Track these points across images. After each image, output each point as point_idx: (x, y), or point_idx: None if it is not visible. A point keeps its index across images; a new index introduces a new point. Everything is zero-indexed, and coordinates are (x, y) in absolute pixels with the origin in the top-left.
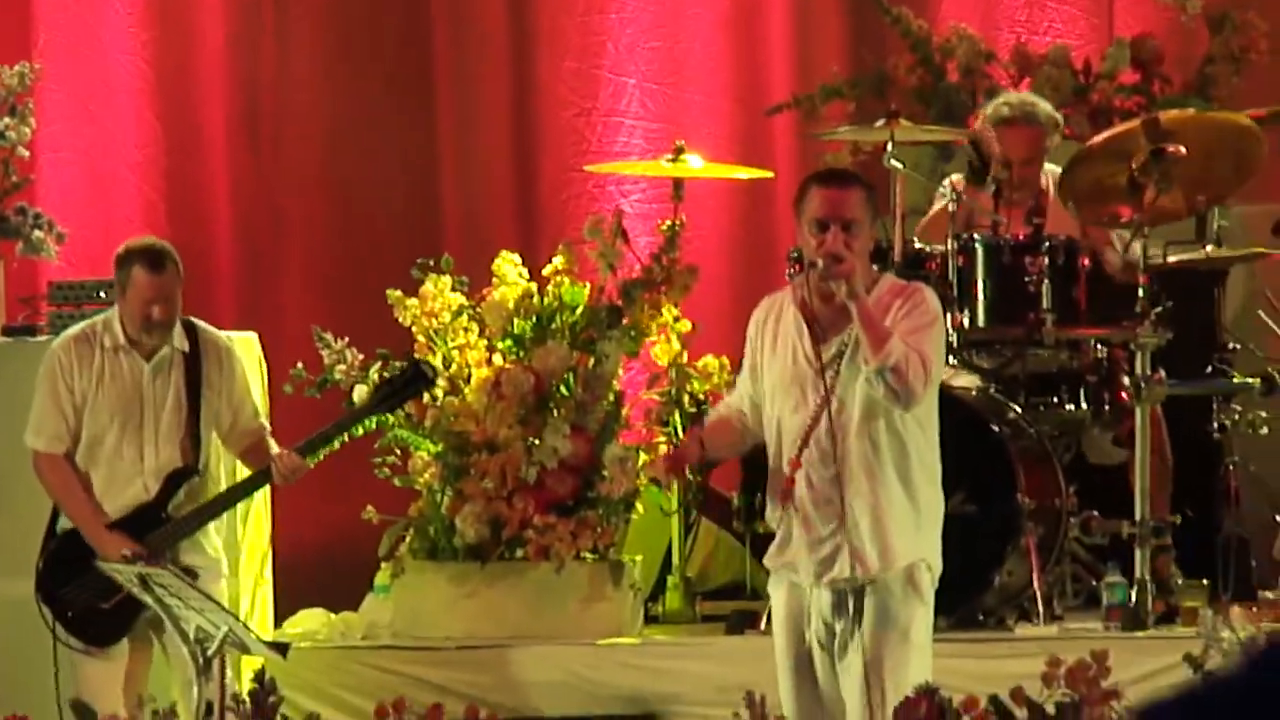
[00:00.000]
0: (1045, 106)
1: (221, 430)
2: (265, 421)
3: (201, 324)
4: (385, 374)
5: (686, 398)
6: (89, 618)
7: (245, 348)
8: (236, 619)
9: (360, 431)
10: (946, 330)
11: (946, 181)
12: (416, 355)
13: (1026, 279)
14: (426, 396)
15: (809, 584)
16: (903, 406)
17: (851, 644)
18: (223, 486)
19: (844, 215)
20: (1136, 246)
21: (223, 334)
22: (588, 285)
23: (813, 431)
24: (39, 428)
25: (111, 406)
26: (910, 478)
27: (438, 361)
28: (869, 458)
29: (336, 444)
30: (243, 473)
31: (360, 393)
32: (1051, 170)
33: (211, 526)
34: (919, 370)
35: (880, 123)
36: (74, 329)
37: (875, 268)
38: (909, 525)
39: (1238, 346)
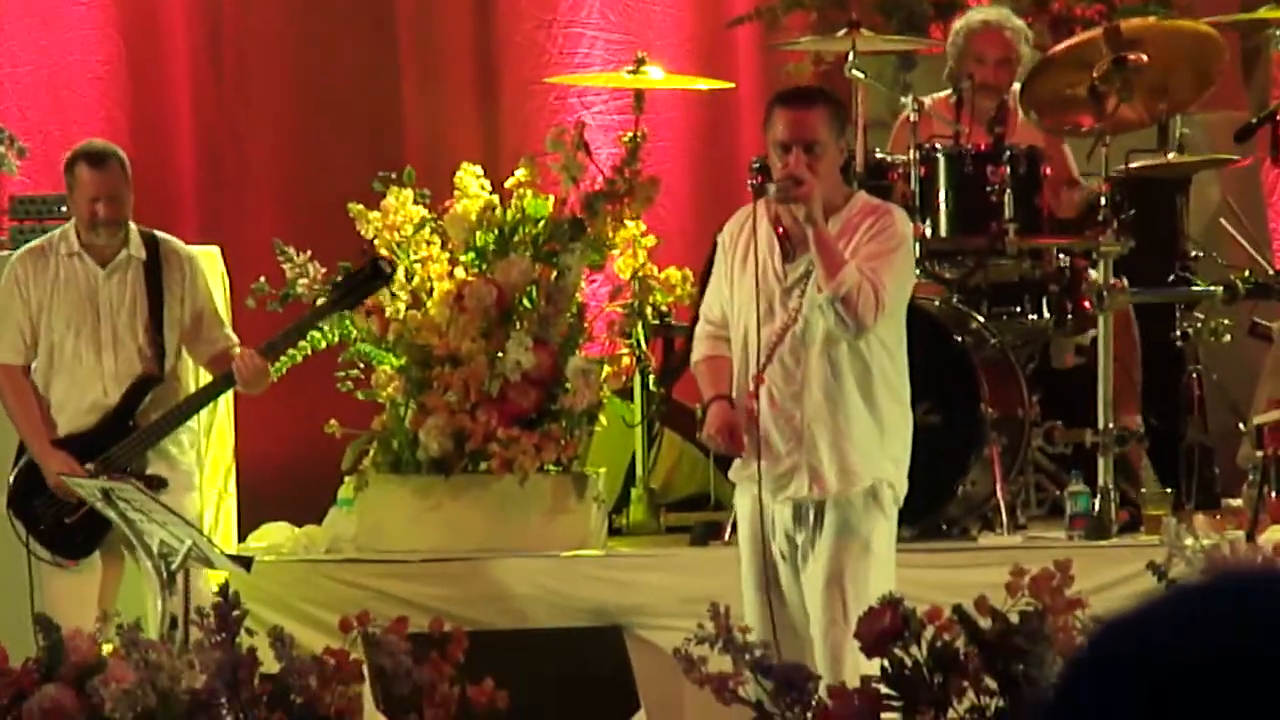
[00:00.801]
0: (1020, 22)
1: (186, 339)
2: (231, 333)
3: (162, 234)
4: (343, 272)
5: (649, 309)
6: (59, 531)
7: (208, 261)
8: (200, 533)
9: (323, 345)
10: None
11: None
12: (373, 253)
13: (988, 188)
14: (389, 310)
15: (769, 500)
16: (852, 335)
17: (813, 555)
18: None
19: (806, 136)
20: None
21: (184, 245)
22: (550, 198)
23: (777, 348)
24: None
25: (67, 312)
26: (874, 398)
27: (400, 275)
28: (829, 378)
29: (299, 354)
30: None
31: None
32: (1014, 88)
33: (184, 438)
34: (870, 299)
35: (842, 33)
36: (32, 243)
37: (854, 185)
38: (871, 445)
39: (1200, 254)
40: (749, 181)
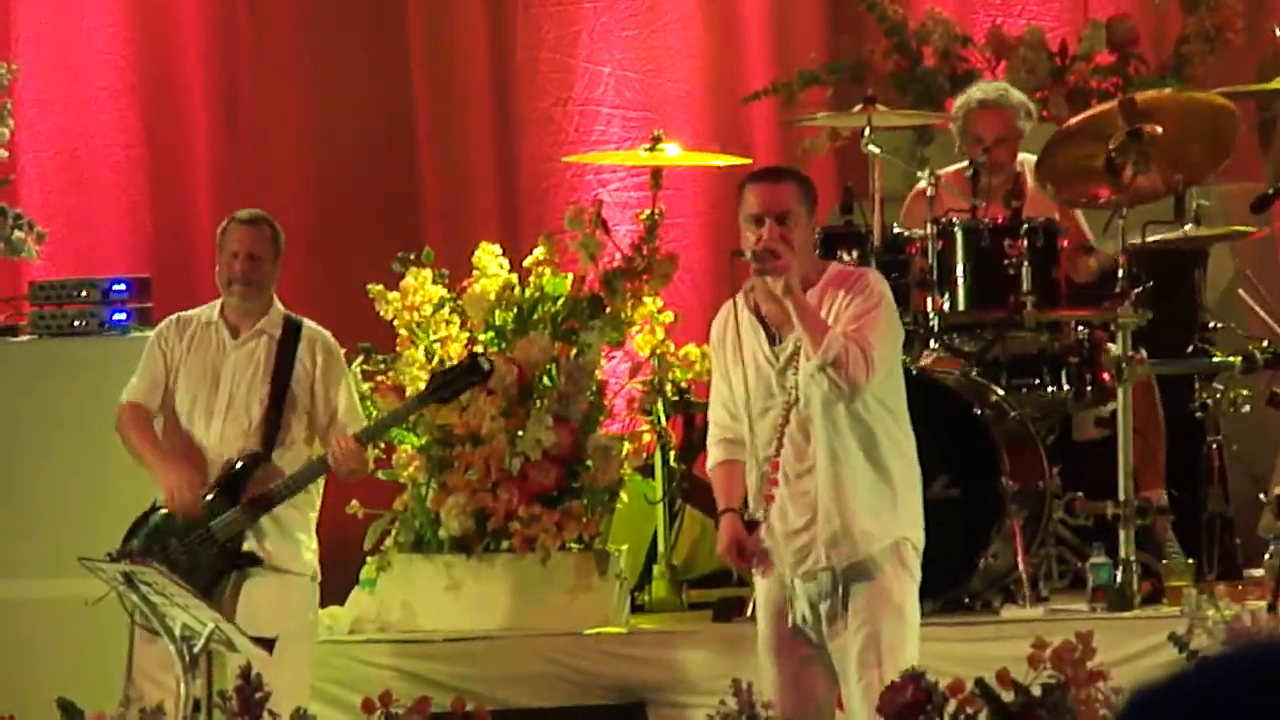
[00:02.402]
0: (1017, 93)
1: (318, 427)
2: (357, 428)
3: (308, 321)
4: (442, 366)
5: (669, 386)
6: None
7: None
8: (223, 617)
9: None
10: (905, 313)
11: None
12: (473, 349)
13: (1006, 261)
14: (409, 389)
15: (790, 576)
16: (848, 398)
17: (843, 624)
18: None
19: (777, 209)
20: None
21: (330, 336)
22: (569, 275)
23: (784, 430)
24: (131, 386)
25: (191, 375)
26: (880, 459)
27: (419, 355)
28: (834, 445)
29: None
30: None
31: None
32: (1028, 159)
33: (305, 536)
34: (859, 360)
35: (858, 108)
36: (183, 312)
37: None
38: (883, 505)
39: (1219, 325)
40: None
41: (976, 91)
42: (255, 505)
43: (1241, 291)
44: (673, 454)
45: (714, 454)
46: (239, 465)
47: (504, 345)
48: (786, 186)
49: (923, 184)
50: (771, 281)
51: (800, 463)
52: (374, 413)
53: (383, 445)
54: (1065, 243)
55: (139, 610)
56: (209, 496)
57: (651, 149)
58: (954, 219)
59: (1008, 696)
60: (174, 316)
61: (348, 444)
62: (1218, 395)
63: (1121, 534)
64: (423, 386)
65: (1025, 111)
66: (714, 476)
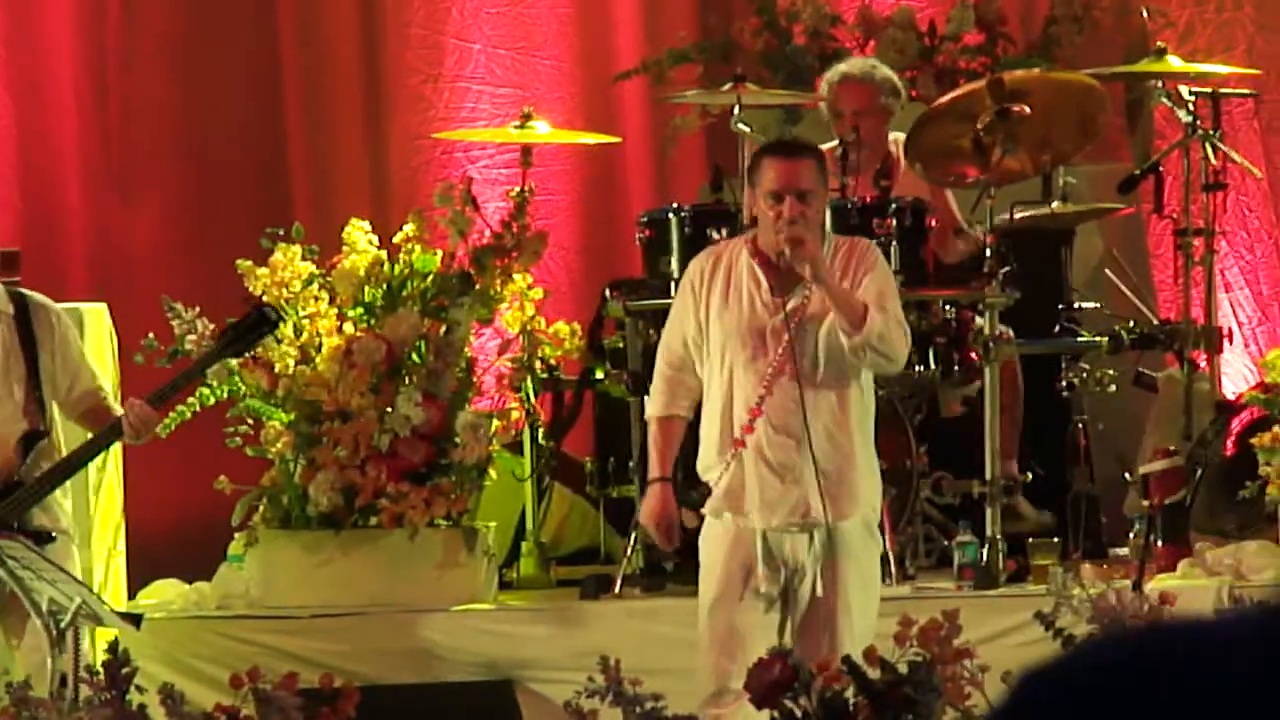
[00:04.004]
0: (885, 69)
1: (59, 395)
2: (105, 385)
3: (27, 290)
4: (229, 320)
5: (538, 363)
6: None
7: (96, 319)
8: (90, 590)
9: (212, 401)
10: None
11: None
12: (258, 301)
13: (874, 241)
14: (278, 365)
15: (765, 528)
16: (892, 370)
17: (816, 587)
18: (64, 453)
19: (798, 186)
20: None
21: (48, 298)
22: (438, 253)
23: (776, 380)
24: None
25: None
26: (865, 424)
27: (288, 331)
28: (834, 405)
29: (188, 410)
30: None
31: None
32: (900, 138)
33: (61, 494)
34: (899, 332)
35: (727, 87)
36: None
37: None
38: (867, 469)
39: (1085, 305)
40: (636, 236)
41: (842, 66)
42: (46, 481)
43: (1108, 271)
44: (541, 431)
45: (657, 402)
46: (18, 447)
47: (373, 322)
48: (807, 163)
49: None
50: (800, 268)
51: (787, 415)
52: (242, 389)
53: (250, 421)
54: (934, 222)
55: (7, 585)
56: None
57: (521, 126)
58: None
59: (875, 674)
60: None
61: (142, 409)
62: (1084, 375)
63: (988, 512)
64: (290, 365)
65: (890, 88)
66: (652, 429)
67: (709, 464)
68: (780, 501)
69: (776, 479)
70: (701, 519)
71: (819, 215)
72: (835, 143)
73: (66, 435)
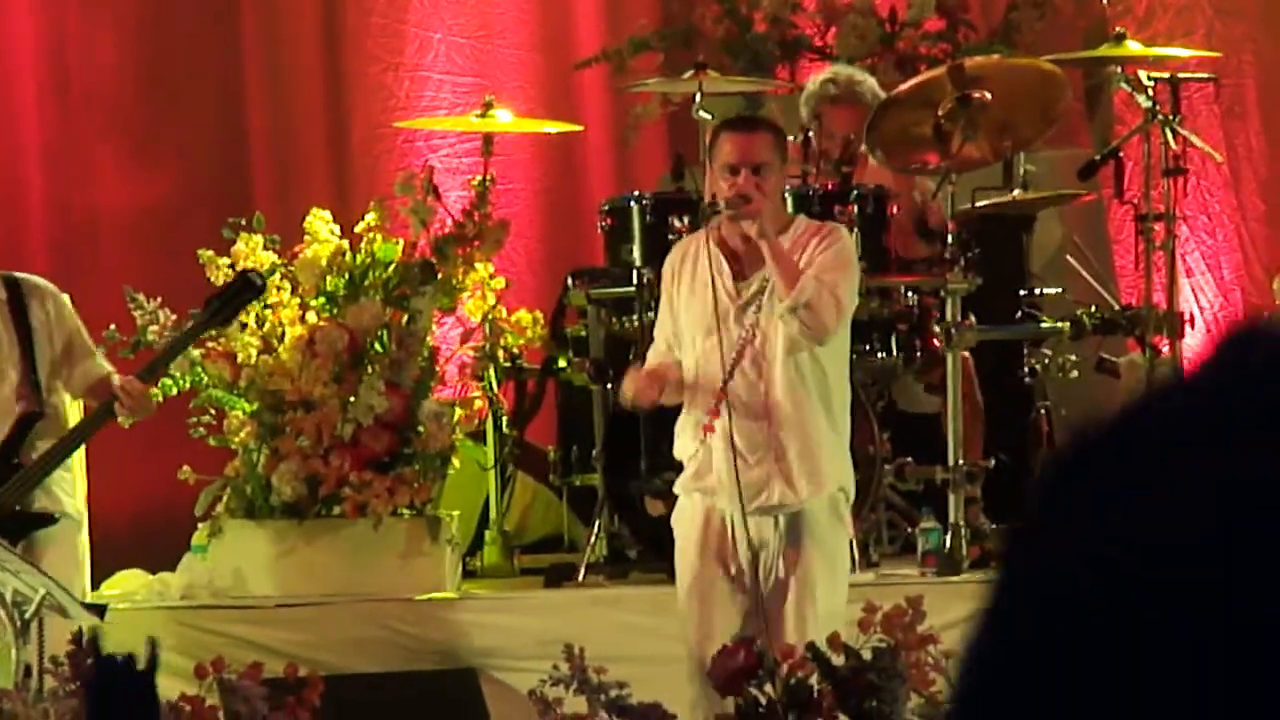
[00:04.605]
0: (870, 83)
1: (60, 372)
2: (104, 361)
3: (21, 274)
4: (213, 290)
5: (501, 352)
6: None
7: None
8: (53, 581)
9: (174, 391)
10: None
11: None
12: (244, 266)
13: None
14: (240, 355)
15: (733, 509)
16: (816, 341)
17: (780, 569)
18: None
19: (753, 159)
20: (943, 194)
21: (44, 279)
22: (400, 242)
23: (738, 364)
24: None
25: None
26: (831, 405)
27: (250, 320)
28: (795, 387)
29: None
30: None
31: None
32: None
33: (67, 478)
34: (830, 306)
35: (688, 74)
36: None
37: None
38: (833, 451)
39: (1047, 291)
40: (599, 224)
41: (830, 85)
42: (42, 464)
43: (1069, 257)
44: (505, 420)
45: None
46: (15, 430)
47: (335, 311)
48: (762, 137)
49: None
50: (746, 225)
51: (750, 397)
52: (205, 379)
53: (213, 411)
54: (896, 210)
55: None
56: None
57: (483, 115)
58: (785, 185)
59: (839, 660)
60: None
61: (134, 386)
62: (1046, 361)
63: (950, 499)
64: (252, 355)
65: (874, 94)
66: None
67: (683, 446)
68: (745, 485)
69: (740, 461)
70: (669, 507)
71: (775, 189)
72: (796, 133)
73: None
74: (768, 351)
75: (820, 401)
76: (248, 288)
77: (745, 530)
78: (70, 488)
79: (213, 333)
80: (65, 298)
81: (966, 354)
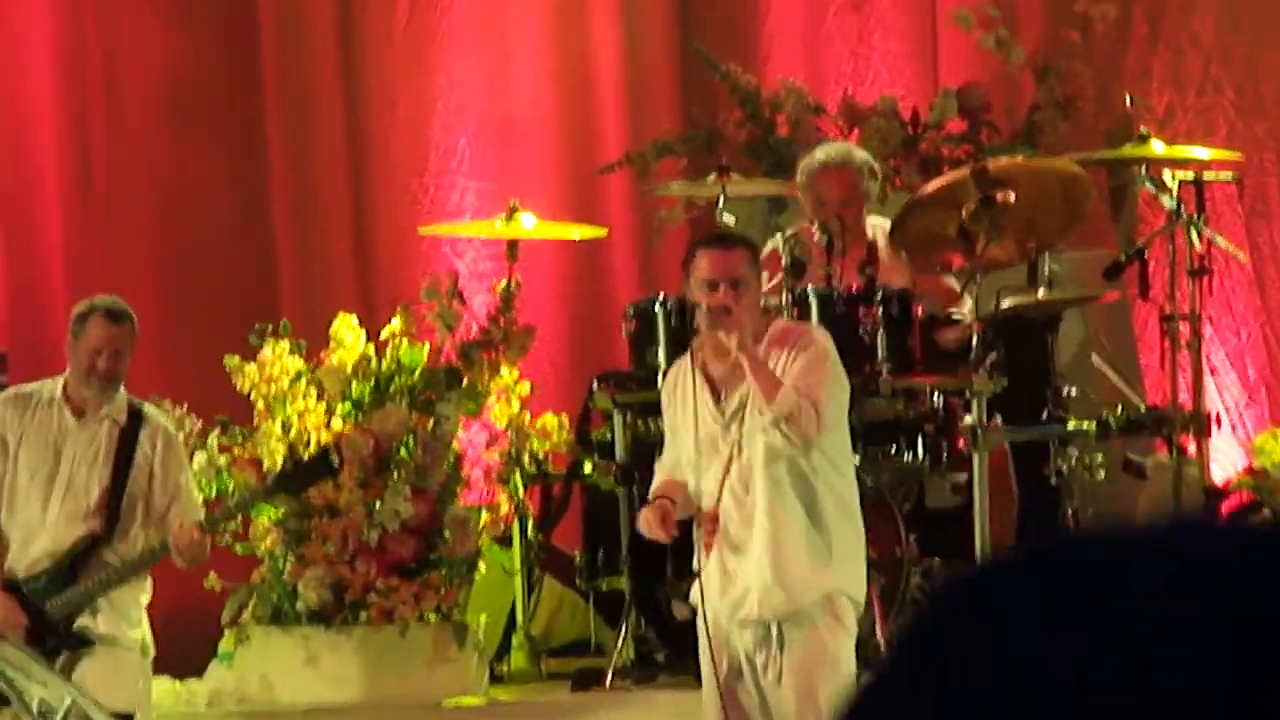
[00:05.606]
0: (860, 152)
1: (144, 509)
2: (200, 515)
3: (150, 407)
4: (292, 457)
5: (526, 456)
6: None
7: None
8: (80, 692)
9: (201, 498)
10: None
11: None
12: (327, 445)
13: (861, 329)
14: (266, 462)
15: (728, 623)
16: (796, 446)
17: (778, 676)
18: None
19: (732, 274)
20: (969, 299)
21: (169, 421)
22: (425, 346)
23: (725, 481)
24: None
25: (31, 456)
26: (819, 513)
27: (276, 428)
28: (772, 499)
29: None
30: None
31: (201, 460)
32: (880, 224)
33: (134, 612)
34: (810, 415)
35: (712, 178)
36: (22, 386)
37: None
38: (818, 559)
39: (1073, 391)
40: (623, 329)
41: (819, 153)
42: (94, 587)
43: (1095, 357)
44: (530, 524)
45: (658, 477)
46: (77, 546)
47: (361, 416)
48: (738, 253)
49: (775, 244)
50: (725, 337)
51: (740, 513)
52: (230, 486)
53: (239, 518)
54: (920, 309)
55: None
56: (44, 578)
57: (507, 220)
58: (809, 286)
59: None
60: (11, 392)
61: (191, 533)
62: (1073, 461)
63: None
64: (278, 462)
65: (869, 171)
66: (655, 484)
67: (697, 566)
68: (732, 600)
69: (727, 578)
70: (694, 611)
71: (753, 302)
72: (818, 232)
73: None
74: (748, 466)
75: (804, 509)
76: (325, 467)
77: (742, 642)
78: (138, 616)
79: (238, 439)
80: (180, 440)
81: (1005, 450)
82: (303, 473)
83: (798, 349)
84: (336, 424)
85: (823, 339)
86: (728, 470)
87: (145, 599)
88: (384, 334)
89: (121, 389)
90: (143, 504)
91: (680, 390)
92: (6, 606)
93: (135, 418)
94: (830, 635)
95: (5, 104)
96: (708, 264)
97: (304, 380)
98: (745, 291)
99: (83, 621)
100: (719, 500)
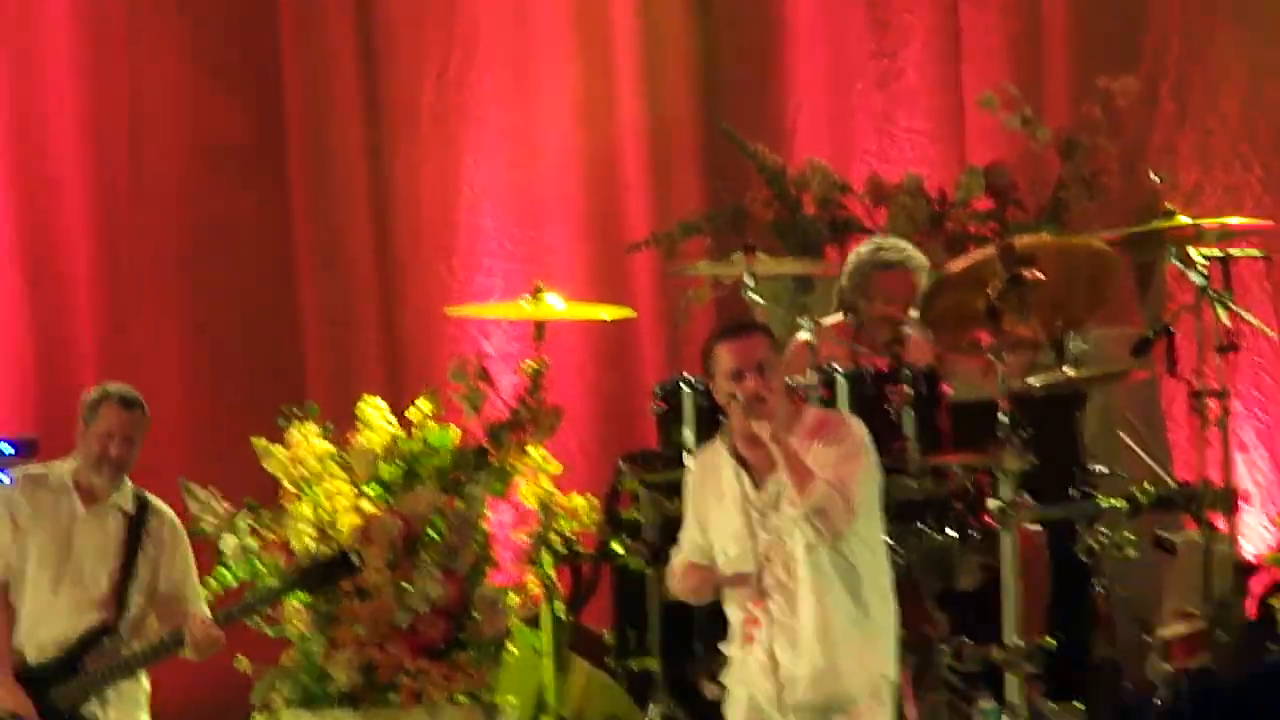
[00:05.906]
0: (917, 254)
1: (156, 602)
2: (202, 606)
3: (153, 498)
4: (314, 556)
5: (555, 536)
6: None
7: None
8: None
9: (231, 581)
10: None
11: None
12: (345, 547)
13: (888, 408)
14: (296, 545)
15: (770, 707)
16: (827, 541)
17: None
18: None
19: (754, 361)
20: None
21: (172, 513)
22: (453, 427)
23: (767, 566)
24: None
25: (40, 543)
26: (861, 596)
27: (306, 510)
28: (819, 585)
29: (208, 591)
30: None
31: (229, 543)
32: None
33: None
34: (840, 507)
35: (738, 257)
36: (32, 466)
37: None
38: (865, 643)
39: (1101, 469)
40: (652, 407)
41: (884, 251)
42: (102, 676)
43: (1123, 434)
44: (560, 605)
45: (676, 569)
46: (86, 635)
47: (390, 499)
48: (757, 338)
49: (804, 334)
50: (758, 427)
51: (784, 599)
52: (258, 567)
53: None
54: (948, 389)
55: None
56: (52, 666)
57: (534, 301)
58: (836, 366)
59: None
60: (24, 474)
61: (207, 628)
62: (1102, 539)
63: (1007, 678)
64: (307, 544)
65: (922, 266)
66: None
67: (731, 653)
68: (779, 686)
69: (775, 664)
70: (723, 688)
71: (779, 385)
72: (841, 316)
73: None
74: (791, 553)
75: (848, 593)
76: (345, 567)
77: None
78: (146, 704)
79: (268, 523)
80: (184, 535)
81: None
82: (321, 572)
83: (834, 439)
84: (365, 505)
85: (859, 430)
86: (769, 556)
87: (146, 683)
88: (411, 415)
89: (127, 479)
90: (149, 594)
91: (713, 480)
92: (15, 694)
93: (142, 508)
94: (873, 718)
95: (30, 179)
96: (730, 355)
97: (332, 462)
98: (772, 375)
99: (90, 710)
100: (761, 589)
